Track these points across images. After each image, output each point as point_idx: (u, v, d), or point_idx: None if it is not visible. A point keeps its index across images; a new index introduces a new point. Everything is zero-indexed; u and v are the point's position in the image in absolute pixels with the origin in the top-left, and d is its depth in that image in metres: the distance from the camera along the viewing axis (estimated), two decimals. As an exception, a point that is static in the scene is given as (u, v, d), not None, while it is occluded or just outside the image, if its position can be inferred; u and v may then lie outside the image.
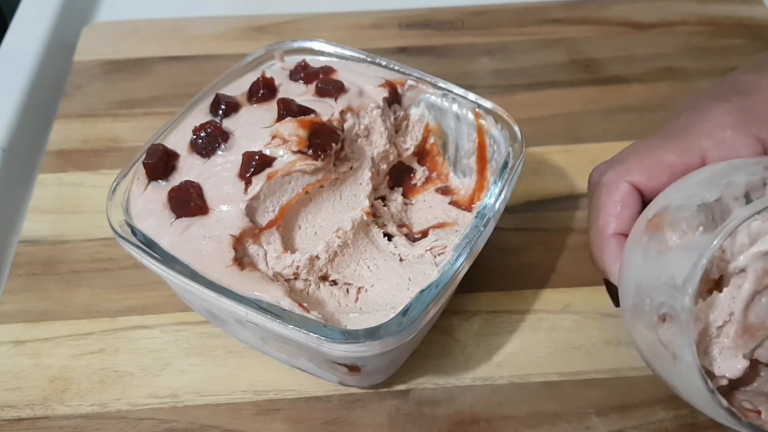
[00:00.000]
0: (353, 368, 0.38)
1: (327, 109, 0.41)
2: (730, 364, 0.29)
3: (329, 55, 0.47)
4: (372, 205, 0.42)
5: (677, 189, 0.31)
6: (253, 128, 0.40)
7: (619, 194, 0.33)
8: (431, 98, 0.45)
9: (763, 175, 0.29)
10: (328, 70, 0.44)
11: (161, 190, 0.38)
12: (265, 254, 0.37)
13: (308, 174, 0.38)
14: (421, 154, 0.47)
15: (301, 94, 0.43)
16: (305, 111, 0.40)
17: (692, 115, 0.33)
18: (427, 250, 0.41)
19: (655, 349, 0.29)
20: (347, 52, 0.46)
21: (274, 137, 0.38)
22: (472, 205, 0.45)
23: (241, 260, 0.36)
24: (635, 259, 0.31)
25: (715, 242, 0.26)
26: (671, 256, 0.28)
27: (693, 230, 0.28)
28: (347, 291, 0.40)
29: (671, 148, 0.32)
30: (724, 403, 0.26)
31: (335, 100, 0.42)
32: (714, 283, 0.29)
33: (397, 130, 0.45)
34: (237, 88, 0.43)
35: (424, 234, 0.43)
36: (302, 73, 0.44)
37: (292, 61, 0.46)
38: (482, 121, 0.44)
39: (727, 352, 0.29)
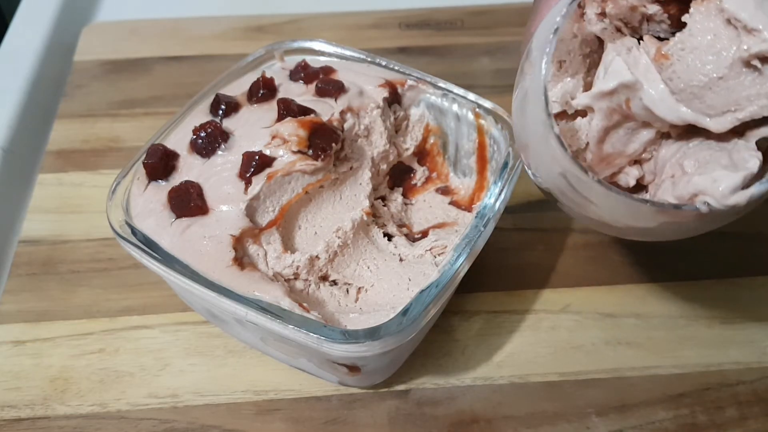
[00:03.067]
0: (353, 368, 0.38)
1: (327, 109, 0.41)
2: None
3: (329, 55, 0.47)
4: (372, 205, 0.42)
5: None
6: (253, 128, 0.40)
7: None
8: (431, 98, 0.45)
9: None
10: (328, 70, 0.44)
11: (161, 190, 0.38)
12: (265, 254, 0.37)
13: (308, 174, 0.38)
14: (421, 154, 0.47)
15: (301, 94, 0.43)
16: (305, 111, 0.40)
17: None
18: (427, 250, 0.41)
19: (518, 95, 0.32)
20: (347, 52, 0.46)
21: (274, 137, 0.38)
22: (472, 205, 0.45)
23: (241, 260, 0.36)
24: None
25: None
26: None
27: None
28: (347, 291, 0.40)
29: None
30: (556, 130, 0.29)
31: (335, 100, 0.42)
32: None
33: (397, 130, 0.45)
34: (237, 88, 0.43)
35: (424, 234, 0.43)
36: (302, 73, 0.44)
37: (292, 61, 0.46)
38: (482, 121, 0.44)
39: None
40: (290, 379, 0.42)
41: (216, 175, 0.38)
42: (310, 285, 0.39)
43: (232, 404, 0.41)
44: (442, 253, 0.40)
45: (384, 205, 0.44)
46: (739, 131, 0.29)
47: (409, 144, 0.46)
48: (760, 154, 0.28)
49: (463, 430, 0.40)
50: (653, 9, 0.30)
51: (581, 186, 0.29)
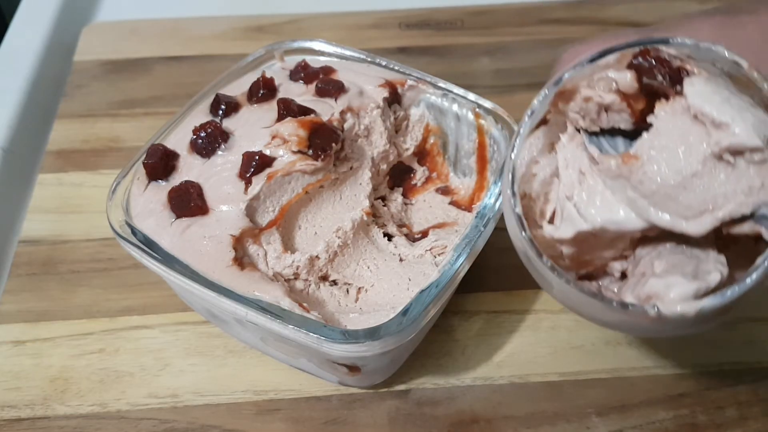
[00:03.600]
0: (353, 368, 0.38)
1: (327, 109, 0.41)
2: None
3: (329, 55, 0.46)
4: (372, 205, 0.42)
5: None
6: (253, 128, 0.40)
7: None
8: (431, 98, 0.45)
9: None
10: (328, 70, 0.44)
11: (161, 190, 0.38)
12: (265, 254, 0.37)
13: (308, 174, 0.38)
14: (421, 154, 0.47)
15: (301, 94, 0.42)
16: (305, 111, 0.40)
17: (676, 21, 0.33)
18: (427, 250, 0.41)
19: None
20: (347, 52, 0.46)
21: (274, 137, 0.38)
22: (472, 205, 0.45)
23: (241, 260, 0.36)
24: None
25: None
26: None
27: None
28: (347, 291, 0.40)
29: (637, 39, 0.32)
30: (518, 210, 0.29)
31: (335, 100, 0.42)
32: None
33: (397, 130, 0.45)
34: (237, 88, 0.43)
35: (424, 234, 0.43)
36: (302, 73, 0.44)
37: (292, 61, 0.46)
38: (482, 121, 0.43)
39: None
40: (290, 379, 0.42)
41: (216, 175, 0.38)
42: (310, 285, 0.39)
43: (232, 404, 0.41)
44: (442, 253, 0.40)
45: (384, 205, 0.44)
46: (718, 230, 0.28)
47: (409, 144, 0.46)
48: (725, 269, 0.27)
49: (463, 430, 0.40)
50: (609, 99, 0.30)
51: (539, 268, 0.29)
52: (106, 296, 0.46)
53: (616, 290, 0.32)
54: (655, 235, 0.30)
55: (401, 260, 0.41)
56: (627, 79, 0.29)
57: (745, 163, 0.26)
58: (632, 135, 0.30)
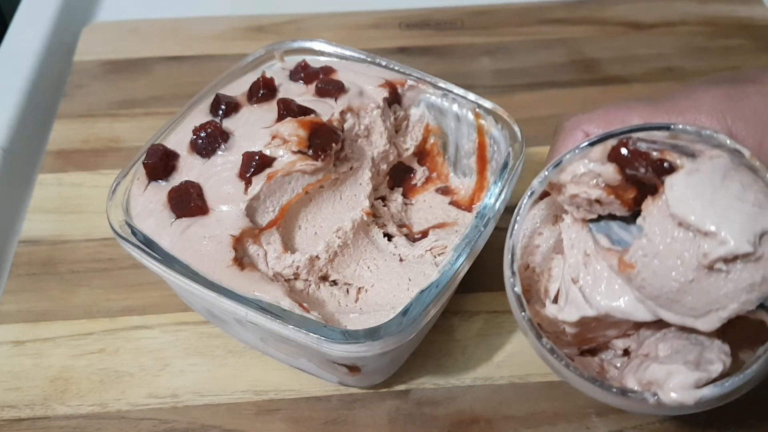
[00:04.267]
0: (353, 368, 0.38)
1: (327, 109, 0.41)
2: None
3: (329, 55, 0.46)
4: (372, 205, 0.42)
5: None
6: (253, 128, 0.40)
7: (572, 141, 0.33)
8: (431, 98, 0.45)
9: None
10: (328, 70, 0.44)
11: (161, 190, 0.38)
12: (265, 254, 0.37)
13: (308, 174, 0.38)
14: (421, 154, 0.47)
15: (301, 94, 0.42)
16: (305, 111, 0.40)
17: (680, 91, 0.33)
18: (427, 250, 0.41)
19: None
20: (347, 52, 0.46)
21: (274, 137, 0.38)
22: (472, 205, 0.45)
23: (241, 260, 0.36)
24: None
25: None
26: None
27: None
28: (347, 291, 0.40)
29: (640, 112, 0.32)
30: (517, 289, 0.29)
31: (335, 100, 0.42)
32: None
33: (397, 130, 0.45)
34: (237, 88, 0.43)
35: (424, 234, 0.43)
36: (302, 73, 0.44)
37: (292, 61, 0.46)
38: (482, 121, 0.43)
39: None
40: (290, 379, 0.42)
41: (216, 175, 0.38)
42: (310, 285, 0.39)
43: (232, 404, 0.41)
44: (442, 253, 0.40)
45: (384, 205, 0.44)
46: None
47: (409, 144, 0.46)
48: (728, 360, 0.27)
49: (463, 430, 0.40)
50: (596, 194, 0.29)
51: (538, 349, 0.29)
52: (106, 296, 0.46)
53: (618, 365, 0.32)
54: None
55: (401, 260, 0.41)
56: (610, 172, 0.28)
57: (741, 264, 0.25)
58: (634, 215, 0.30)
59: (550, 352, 0.28)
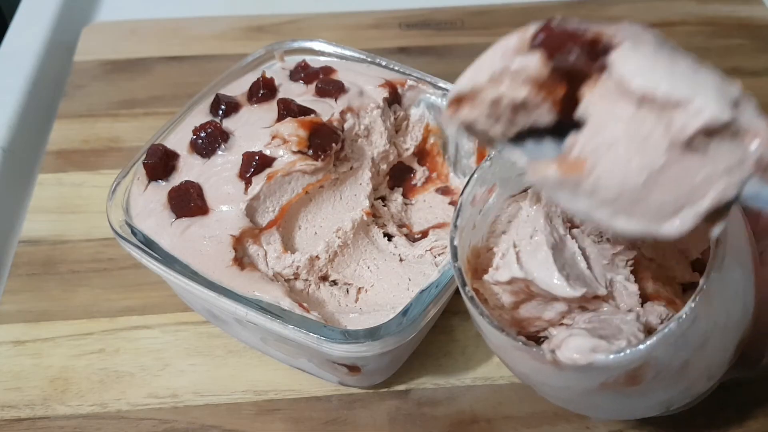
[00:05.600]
0: (353, 368, 0.38)
1: (327, 109, 0.41)
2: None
3: (329, 55, 0.46)
4: (372, 205, 0.42)
5: None
6: (253, 128, 0.40)
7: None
8: (431, 98, 0.45)
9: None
10: (328, 70, 0.44)
11: (161, 190, 0.38)
12: (265, 254, 0.37)
13: (308, 174, 0.38)
14: (421, 154, 0.47)
15: (301, 94, 0.43)
16: (305, 111, 0.40)
17: None
18: (427, 250, 0.41)
19: None
20: (347, 52, 0.46)
21: (274, 137, 0.38)
22: (472, 205, 0.45)
23: (241, 260, 0.36)
24: None
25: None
26: None
27: None
28: (347, 291, 0.40)
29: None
30: (469, 292, 0.29)
31: (335, 100, 0.42)
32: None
33: (397, 130, 0.45)
34: (237, 88, 0.43)
35: (424, 234, 0.43)
36: (302, 73, 0.44)
37: (292, 61, 0.46)
38: (482, 121, 0.43)
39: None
40: (290, 379, 0.42)
41: (216, 175, 0.38)
42: (310, 285, 0.39)
43: (232, 404, 0.41)
44: (442, 253, 0.40)
45: (384, 205, 0.44)
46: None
47: (409, 144, 0.46)
48: (635, 341, 0.26)
49: (463, 430, 0.40)
50: (522, 93, 0.24)
51: (468, 307, 0.29)
52: (106, 296, 0.46)
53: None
54: (591, 305, 0.30)
55: (401, 260, 0.41)
56: (534, 62, 0.24)
57: (719, 139, 0.22)
58: (561, 133, 0.25)
59: (470, 300, 0.28)
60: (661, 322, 0.30)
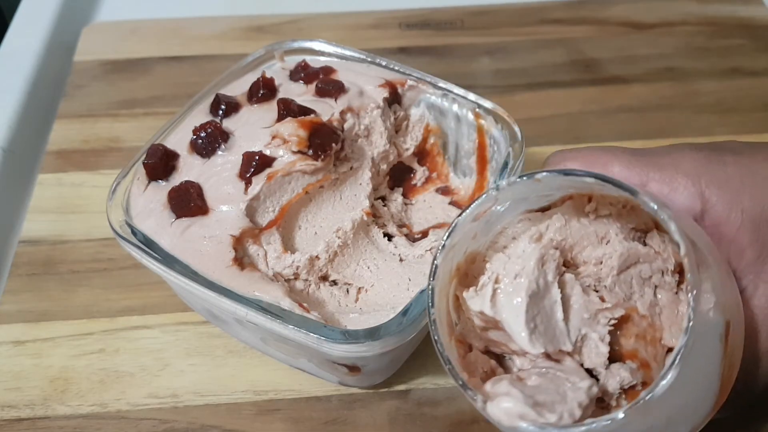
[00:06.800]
0: (353, 368, 0.38)
1: (327, 109, 0.41)
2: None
3: (329, 55, 0.46)
4: (372, 205, 0.42)
5: None
6: (253, 128, 0.40)
7: None
8: (431, 98, 0.45)
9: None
10: (328, 70, 0.44)
11: (161, 190, 0.38)
12: (265, 254, 0.37)
13: (308, 174, 0.38)
14: (421, 154, 0.47)
15: (301, 94, 0.42)
16: (305, 111, 0.40)
17: (664, 149, 0.33)
18: (427, 251, 0.41)
19: None
20: (347, 52, 0.46)
21: (274, 137, 0.38)
22: (472, 205, 0.45)
23: (241, 260, 0.36)
24: None
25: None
26: None
27: None
28: (347, 291, 0.40)
29: (622, 162, 0.32)
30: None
31: (335, 100, 0.42)
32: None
33: (397, 130, 0.45)
34: (237, 88, 0.43)
35: (424, 234, 0.43)
36: (302, 73, 0.44)
37: (292, 61, 0.46)
38: (482, 122, 0.43)
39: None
40: (290, 379, 0.42)
41: (216, 175, 0.38)
42: (310, 285, 0.39)
43: (232, 404, 0.41)
44: (442, 253, 0.40)
45: (384, 205, 0.44)
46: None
47: (409, 144, 0.46)
48: (569, 420, 0.27)
49: (463, 430, 0.40)
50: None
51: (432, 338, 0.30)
52: (106, 296, 0.46)
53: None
54: (555, 355, 0.30)
55: (401, 260, 0.41)
56: None
57: None
58: None
59: (432, 323, 0.29)
60: (620, 391, 0.30)
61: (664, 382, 0.24)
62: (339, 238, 0.39)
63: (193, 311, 0.44)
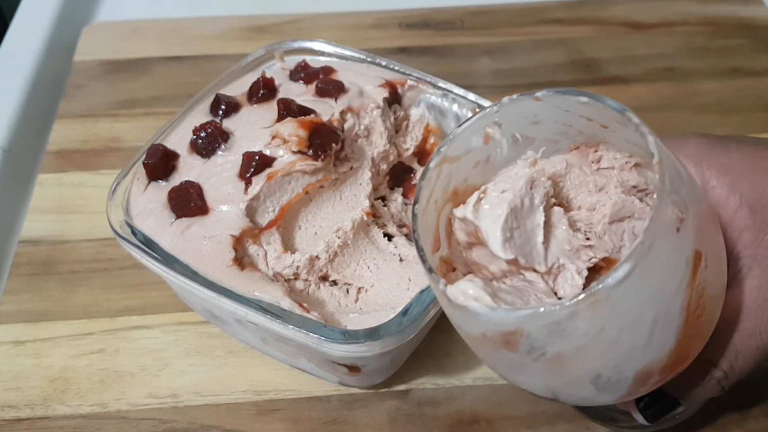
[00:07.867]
0: (353, 368, 0.38)
1: (327, 110, 0.41)
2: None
3: (329, 55, 0.46)
4: (372, 205, 0.42)
5: None
6: (253, 128, 0.40)
7: None
8: (431, 98, 0.45)
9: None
10: (328, 70, 0.44)
11: (161, 190, 0.38)
12: (265, 254, 0.37)
13: (308, 174, 0.38)
14: (421, 154, 0.47)
15: (301, 94, 0.42)
16: (305, 111, 0.40)
17: (671, 135, 0.34)
18: (427, 250, 0.41)
19: None
20: (347, 52, 0.46)
21: (274, 137, 0.38)
22: (472, 205, 0.45)
23: (241, 260, 0.36)
24: None
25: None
26: None
27: None
28: (347, 291, 0.40)
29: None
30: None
31: (335, 100, 0.42)
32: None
33: (397, 130, 0.45)
34: (237, 88, 0.43)
35: (424, 234, 0.43)
36: (302, 73, 0.44)
37: (292, 61, 0.46)
38: (482, 121, 0.43)
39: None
40: (290, 379, 0.42)
41: (216, 175, 0.38)
42: (310, 285, 0.39)
43: (232, 404, 0.41)
44: (442, 253, 0.40)
45: (384, 205, 0.44)
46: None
47: (409, 144, 0.46)
48: (516, 305, 0.27)
49: (464, 430, 0.40)
50: None
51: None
52: (106, 296, 0.46)
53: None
54: (529, 275, 0.30)
55: (401, 260, 0.41)
56: None
57: None
58: None
59: (414, 216, 0.29)
60: None
61: (616, 273, 0.24)
62: (339, 238, 0.39)
63: (193, 311, 0.44)
